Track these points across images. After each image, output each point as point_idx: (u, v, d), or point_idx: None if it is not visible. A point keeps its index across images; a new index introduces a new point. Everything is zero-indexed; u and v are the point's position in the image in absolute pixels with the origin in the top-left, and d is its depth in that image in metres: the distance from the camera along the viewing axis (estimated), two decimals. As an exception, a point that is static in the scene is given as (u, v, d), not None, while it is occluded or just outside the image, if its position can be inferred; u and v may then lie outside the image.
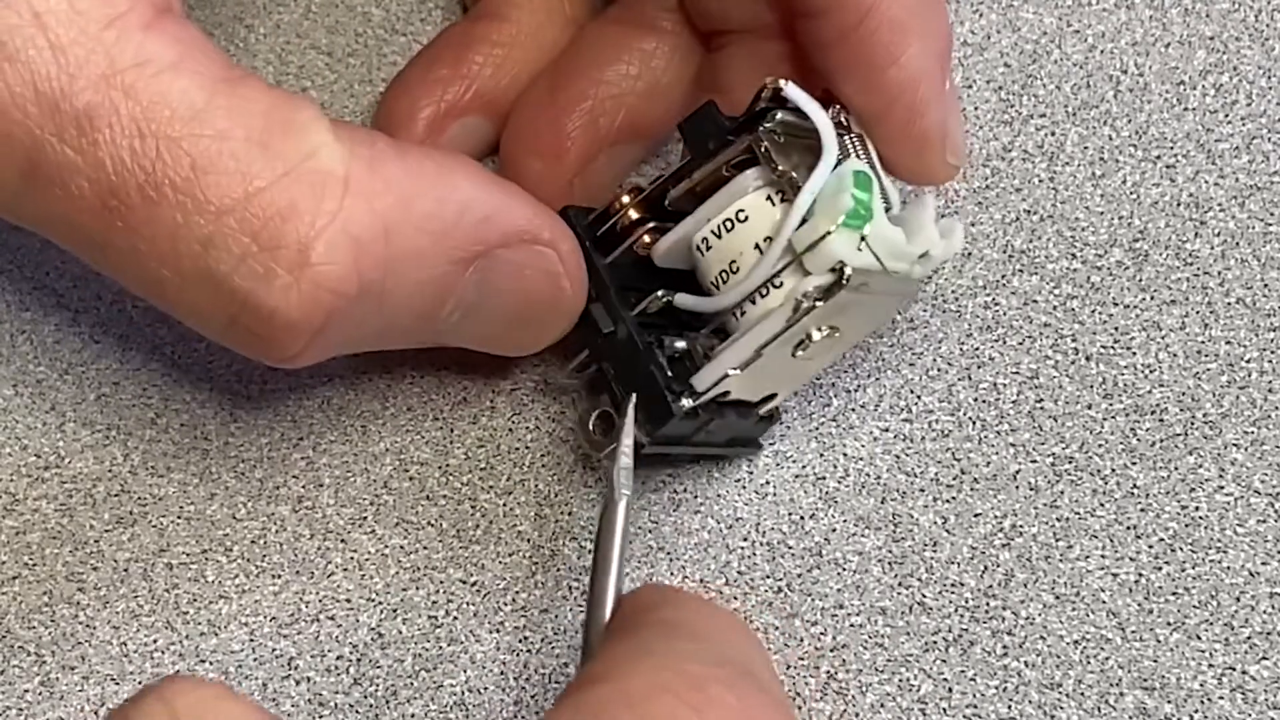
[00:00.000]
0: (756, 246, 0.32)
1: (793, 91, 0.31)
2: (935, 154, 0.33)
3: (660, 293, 0.32)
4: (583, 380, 0.34)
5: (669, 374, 0.32)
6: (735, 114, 0.32)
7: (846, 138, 0.32)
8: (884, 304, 0.33)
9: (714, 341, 0.32)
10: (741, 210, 0.32)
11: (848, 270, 0.30)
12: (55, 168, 0.27)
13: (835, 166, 0.31)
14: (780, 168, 0.31)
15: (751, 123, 0.32)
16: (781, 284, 0.31)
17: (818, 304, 0.31)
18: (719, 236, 0.32)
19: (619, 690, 0.24)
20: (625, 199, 0.33)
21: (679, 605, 0.27)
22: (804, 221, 0.31)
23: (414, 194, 0.29)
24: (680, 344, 0.32)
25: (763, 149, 0.31)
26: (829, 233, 0.30)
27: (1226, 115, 0.38)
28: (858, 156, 0.32)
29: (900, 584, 0.34)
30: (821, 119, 0.31)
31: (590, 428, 0.33)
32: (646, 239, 0.33)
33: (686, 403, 0.31)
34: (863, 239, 0.31)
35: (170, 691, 0.23)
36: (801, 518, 0.35)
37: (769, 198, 0.32)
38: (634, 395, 0.32)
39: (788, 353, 0.31)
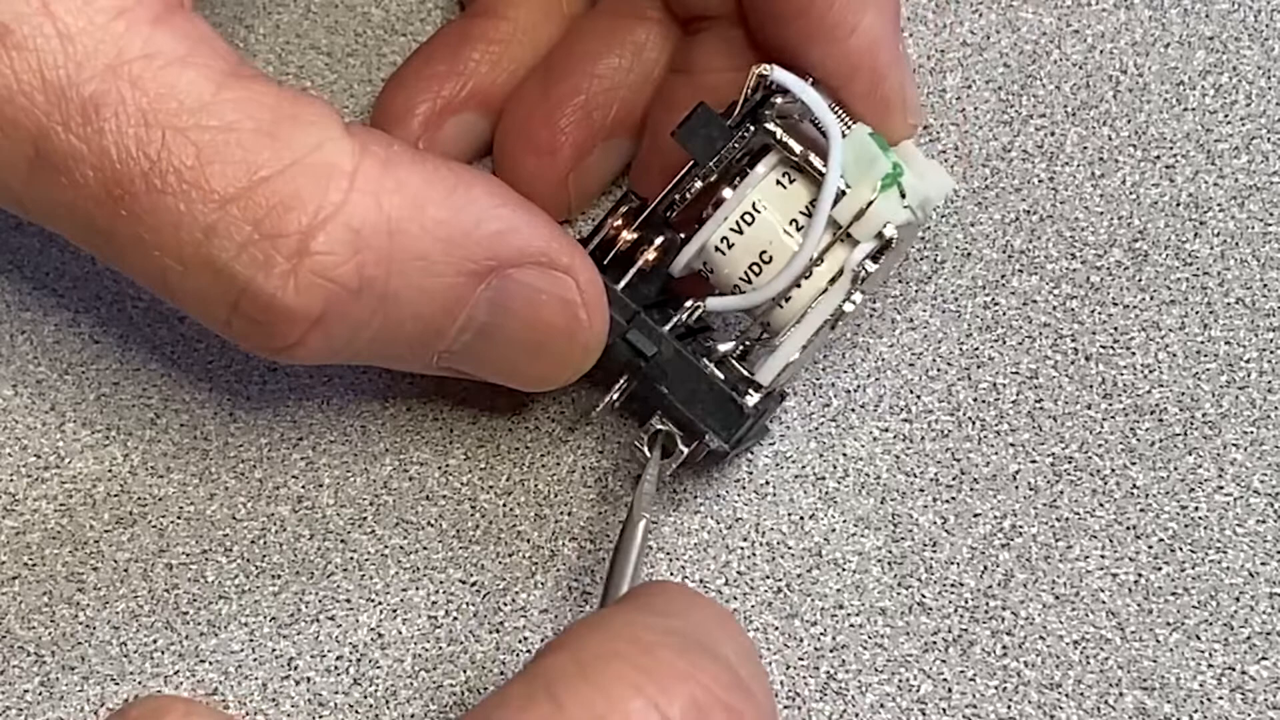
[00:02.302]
0: (785, 232, 0.32)
1: (780, 75, 0.32)
2: (898, 115, 0.33)
3: (690, 302, 0.32)
4: (608, 411, 0.34)
5: (722, 378, 0.32)
6: (703, 99, 0.32)
7: (832, 109, 0.32)
8: (899, 253, 0.34)
9: (747, 340, 0.33)
10: (757, 201, 0.32)
11: (889, 230, 0.31)
12: (61, 156, 0.27)
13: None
14: (799, 149, 0.32)
15: (753, 114, 0.32)
16: (822, 261, 0.32)
17: (870, 271, 0.31)
18: (739, 232, 0.32)
19: (572, 657, 0.24)
20: (618, 222, 0.33)
21: (659, 591, 0.28)
22: (839, 196, 0.31)
23: (427, 198, 0.29)
24: (724, 346, 0.32)
25: (777, 137, 0.32)
26: (872, 200, 0.31)
27: (1226, 115, 0.38)
28: (848, 124, 0.32)
29: (900, 584, 0.34)
30: (813, 96, 0.32)
31: (646, 450, 0.33)
32: (651, 256, 0.33)
33: (753, 399, 0.32)
34: (902, 195, 0.32)
35: (132, 707, 0.23)
36: (801, 518, 0.35)
37: (779, 182, 0.32)
38: (655, 427, 0.32)
39: (828, 328, 0.32)
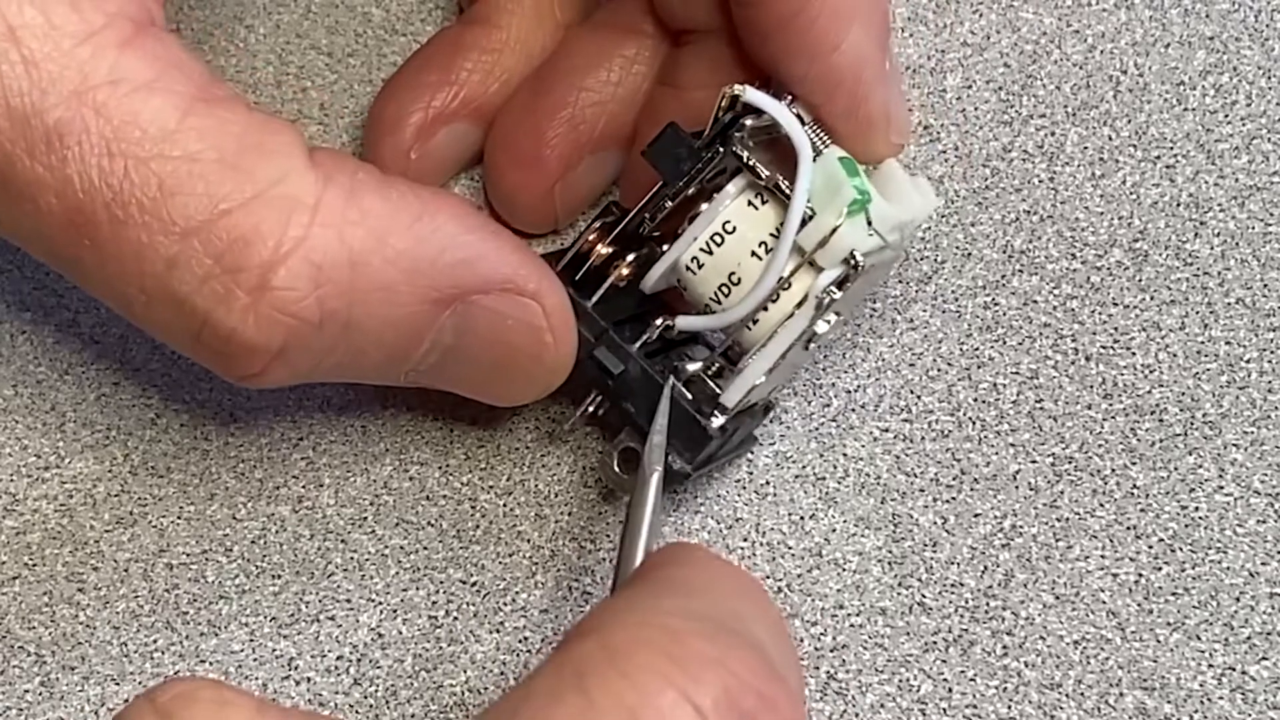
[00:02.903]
0: (754, 254, 0.32)
1: (753, 95, 0.31)
2: (880, 134, 0.33)
3: (659, 321, 0.32)
4: (581, 422, 0.34)
5: (689, 397, 0.32)
6: (688, 114, 0.32)
7: (808, 129, 0.32)
8: (877, 275, 0.34)
9: (719, 358, 0.32)
10: (728, 222, 0.32)
11: (859, 257, 0.31)
12: (25, 183, 0.27)
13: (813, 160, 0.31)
14: (766, 173, 0.31)
15: (723, 134, 0.32)
16: (790, 285, 0.31)
17: (836, 297, 0.31)
18: (709, 253, 0.32)
19: (601, 644, 0.24)
20: (593, 237, 0.33)
21: (686, 563, 0.27)
22: (806, 220, 0.31)
23: (391, 228, 0.29)
24: (692, 366, 0.32)
25: (745, 159, 0.31)
26: (837, 227, 0.31)
27: (1226, 115, 0.38)
28: (825, 145, 0.32)
29: (900, 584, 0.34)
30: (787, 118, 0.31)
31: (616, 467, 0.32)
32: (624, 271, 0.33)
33: (718, 421, 0.31)
34: (869, 222, 0.31)
35: (157, 690, 0.23)
36: (801, 518, 0.35)
37: (750, 203, 0.32)
38: (671, 377, 0.32)
39: (800, 348, 0.32)
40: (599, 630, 0.24)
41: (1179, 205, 0.37)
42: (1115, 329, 0.36)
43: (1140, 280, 0.36)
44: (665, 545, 0.29)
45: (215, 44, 0.39)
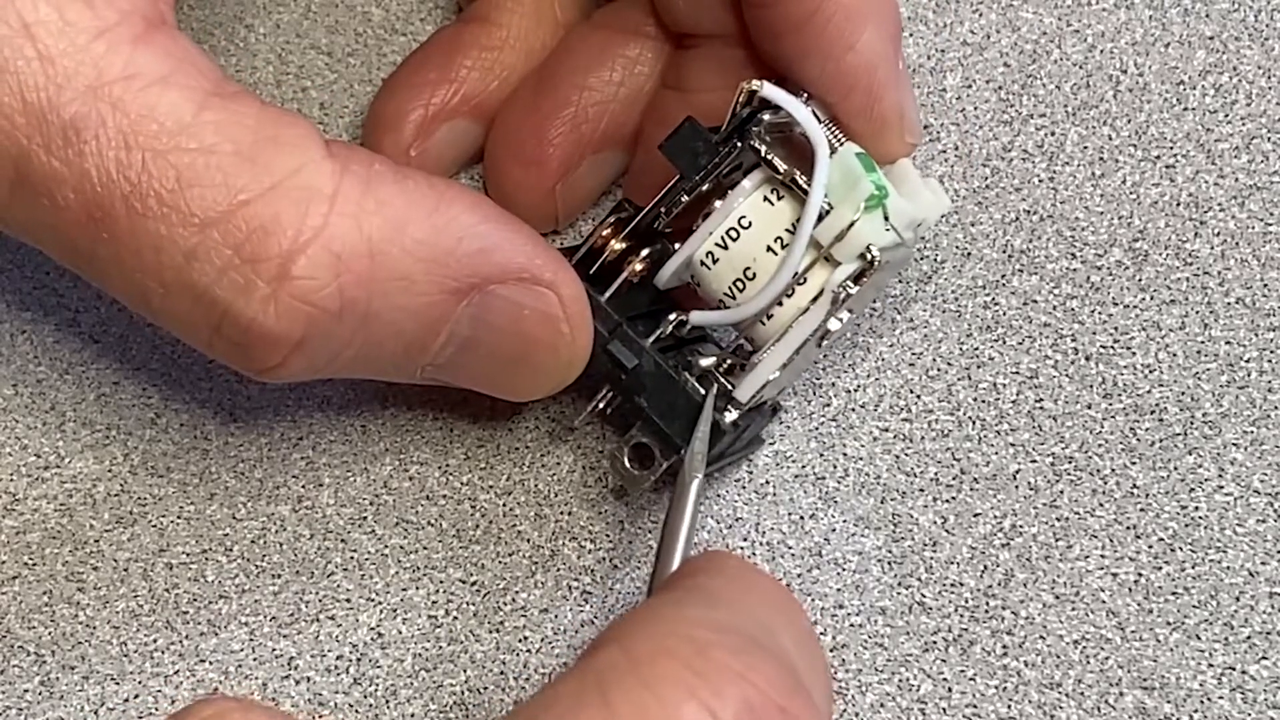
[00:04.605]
0: (769, 249, 0.32)
1: (770, 90, 0.31)
2: (894, 133, 0.33)
3: (673, 315, 0.32)
4: (590, 418, 0.34)
5: (702, 393, 0.32)
6: (696, 113, 0.32)
7: (825, 126, 0.32)
8: (889, 274, 0.34)
9: (731, 355, 0.32)
10: (744, 217, 0.32)
11: (874, 252, 0.31)
12: (42, 178, 0.27)
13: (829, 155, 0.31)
14: (784, 167, 0.31)
15: (740, 129, 0.32)
16: (805, 280, 0.31)
17: (851, 292, 0.31)
18: (725, 247, 0.32)
19: (625, 653, 0.24)
20: (606, 232, 0.33)
21: (717, 573, 0.27)
22: (823, 215, 0.31)
23: (408, 218, 0.29)
24: (705, 361, 0.32)
25: (763, 153, 0.31)
26: (854, 221, 0.31)
27: (1226, 115, 0.38)
28: (841, 142, 0.32)
29: (900, 584, 0.34)
30: (804, 114, 0.31)
31: (627, 463, 0.32)
32: (638, 267, 0.33)
33: (731, 415, 0.31)
34: (885, 217, 0.31)
35: (187, 714, 0.23)
36: (801, 518, 0.35)
37: (766, 198, 0.32)
38: (714, 385, 0.32)
39: (813, 345, 0.32)
40: (624, 638, 0.25)
41: (1179, 205, 0.37)
42: (1115, 329, 0.36)
43: (1140, 280, 0.36)
44: (700, 554, 0.29)
45: (215, 43, 0.39)
